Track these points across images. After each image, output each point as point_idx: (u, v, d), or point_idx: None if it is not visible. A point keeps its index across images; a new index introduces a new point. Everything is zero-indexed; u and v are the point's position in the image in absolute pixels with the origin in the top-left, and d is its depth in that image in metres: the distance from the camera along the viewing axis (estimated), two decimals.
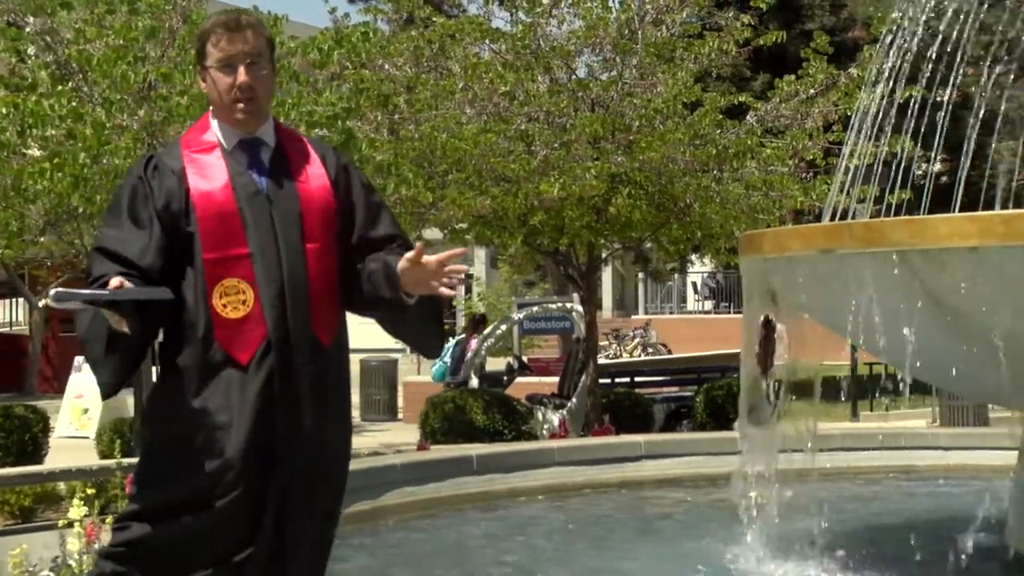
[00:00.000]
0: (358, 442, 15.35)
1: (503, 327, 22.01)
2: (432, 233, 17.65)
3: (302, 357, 3.97)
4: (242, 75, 4.03)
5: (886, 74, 9.25)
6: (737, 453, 8.33)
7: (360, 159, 12.53)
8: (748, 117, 15.99)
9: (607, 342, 32.46)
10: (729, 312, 38.46)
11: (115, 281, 3.71)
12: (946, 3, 9.37)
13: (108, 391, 4.00)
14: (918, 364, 7.03)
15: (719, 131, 15.16)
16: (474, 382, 19.10)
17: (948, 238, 5.89)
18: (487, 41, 15.28)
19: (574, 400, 17.29)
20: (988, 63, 10.43)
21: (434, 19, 16.11)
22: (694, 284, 43.82)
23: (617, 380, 18.78)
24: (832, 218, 9.31)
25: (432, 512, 8.76)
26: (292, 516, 3.95)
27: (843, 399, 19.65)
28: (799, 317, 7.41)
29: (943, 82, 9.49)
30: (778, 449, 10.15)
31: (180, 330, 3.96)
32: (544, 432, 15.77)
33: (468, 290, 39.49)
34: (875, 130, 9.50)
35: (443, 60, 15.22)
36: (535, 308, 23.31)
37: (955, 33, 9.28)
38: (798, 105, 15.99)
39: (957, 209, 9.49)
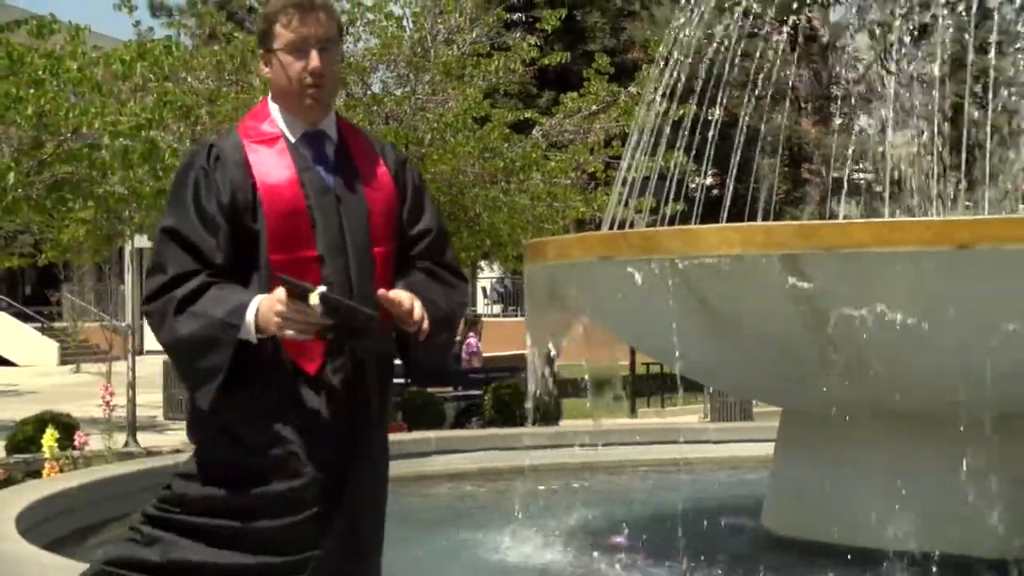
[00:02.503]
0: (161, 440, 15.12)
1: None
2: None
3: (370, 368, 3.54)
4: (315, 60, 3.50)
5: (661, 93, 9.45)
6: (523, 449, 8.41)
7: (163, 168, 12.29)
8: (534, 132, 16.19)
9: None
10: (516, 316, 38.74)
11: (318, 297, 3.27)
12: (715, 31, 9.63)
13: (215, 408, 3.44)
14: (690, 364, 7.21)
15: (507, 145, 15.30)
16: None
17: (716, 246, 6.06)
18: None
19: None
20: (751, 86, 10.74)
21: (236, 35, 15.91)
22: (484, 289, 44.06)
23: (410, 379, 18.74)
24: (611, 227, 9.46)
25: None
26: (365, 523, 3.57)
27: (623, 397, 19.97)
28: (581, 320, 7.52)
29: (712, 102, 9.74)
30: (560, 444, 10.31)
31: (244, 361, 3.43)
32: None
33: None
34: (652, 145, 9.69)
35: (244, 74, 15.04)
36: None
37: (721, 58, 9.54)
38: (581, 121, 16.24)
39: (725, 220, 9.75)
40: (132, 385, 15.19)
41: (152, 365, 21.54)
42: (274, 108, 3.63)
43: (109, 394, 11.50)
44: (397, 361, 3.70)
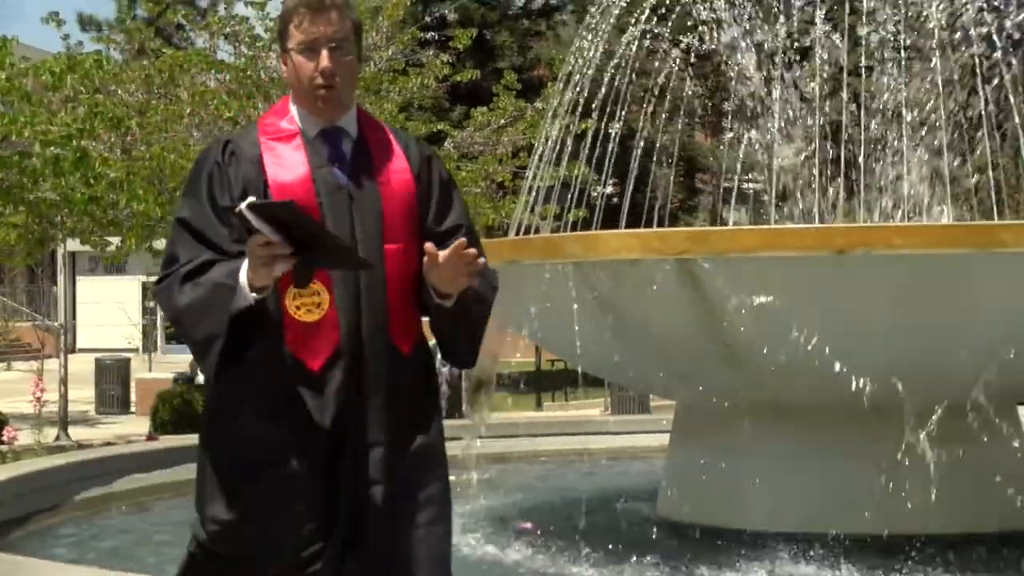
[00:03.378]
0: (92, 434, 14.89)
1: None
2: (161, 244, 17.23)
3: (378, 368, 3.31)
4: (324, 60, 3.32)
5: (565, 108, 9.50)
6: None
7: (94, 176, 12.12)
8: (446, 144, 16.20)
9: None
10: None
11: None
12: (615, 50, 9.70)
13: (222, 387, 3.30)
14: (592, 361, 7.25)
15: None
16: (200, 378, 18.69)
17: (616, 251, 6.11)
18: (213, 71, 15.03)
19: None
20: (648, 102, 10.84)
21: (164, 50, 15.76)
22: None
23: None
24: (518, 233, 9.49)
25: (160, 496, 8.52)
26: (373, 527, 3.31)
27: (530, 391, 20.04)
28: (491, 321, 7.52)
29: (612, 117, 9.80)
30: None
31: (247, 332, 3.24)
32: None
33: None
34: (556, 156, 9.73)
35: (172, 88, 14.90)
36: None
37: (620, 76, 9.61)
38: (490, 134, 16.28)
39: (624, 226, 9.81)
40: (64, 380, 14.95)
41: (84, 363, 21.22)
42: (293, 106, 3.46)
43: (40, 390, 11.31)
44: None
